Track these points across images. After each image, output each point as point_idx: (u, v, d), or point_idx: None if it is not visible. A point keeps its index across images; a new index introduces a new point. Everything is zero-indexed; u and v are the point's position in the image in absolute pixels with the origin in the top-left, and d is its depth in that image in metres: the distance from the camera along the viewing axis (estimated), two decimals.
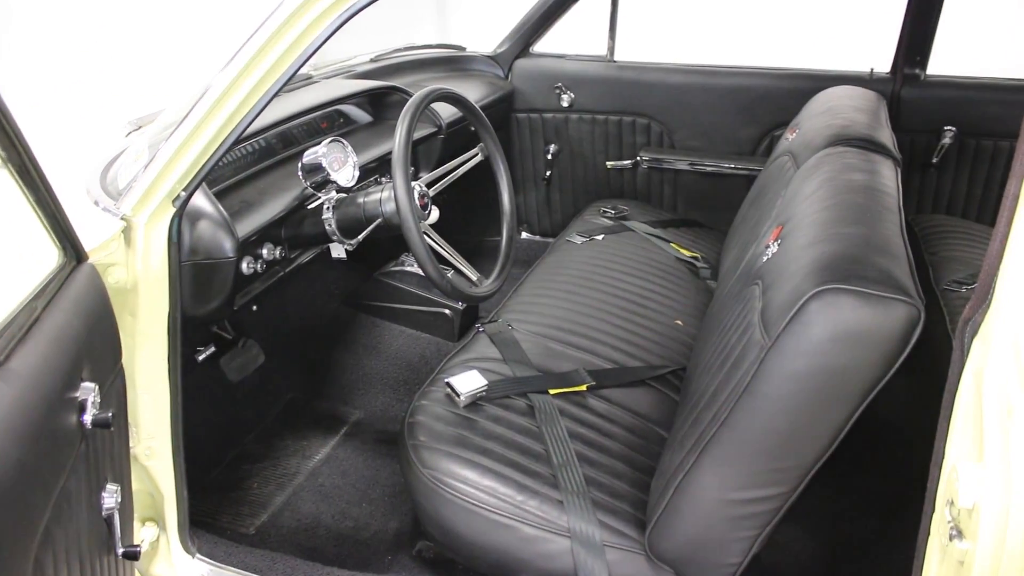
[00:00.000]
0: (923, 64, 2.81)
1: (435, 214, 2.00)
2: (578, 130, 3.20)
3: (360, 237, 1.91)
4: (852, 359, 1.23)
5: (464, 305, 2.61)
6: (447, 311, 2.63)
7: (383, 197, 1.88)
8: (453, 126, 2.65)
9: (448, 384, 1.81)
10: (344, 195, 1.97)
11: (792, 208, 1.70)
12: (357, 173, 2.02)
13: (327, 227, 1.93)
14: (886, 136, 2.04)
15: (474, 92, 2.97)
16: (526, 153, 3.32)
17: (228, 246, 1.69)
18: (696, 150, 3.09)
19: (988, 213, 2.88)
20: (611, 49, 3.11)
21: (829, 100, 2.39)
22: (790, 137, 2.32)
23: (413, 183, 1.88)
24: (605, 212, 2.84)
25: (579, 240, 2.63)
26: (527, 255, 3.41)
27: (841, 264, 1.29)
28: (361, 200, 1.92)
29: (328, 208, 1.94)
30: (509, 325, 2.09)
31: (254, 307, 2.12)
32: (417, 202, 1.86)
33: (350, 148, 2.01)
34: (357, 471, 2.24)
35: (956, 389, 1.19)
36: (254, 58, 1.42)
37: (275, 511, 2.10)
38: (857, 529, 2.02)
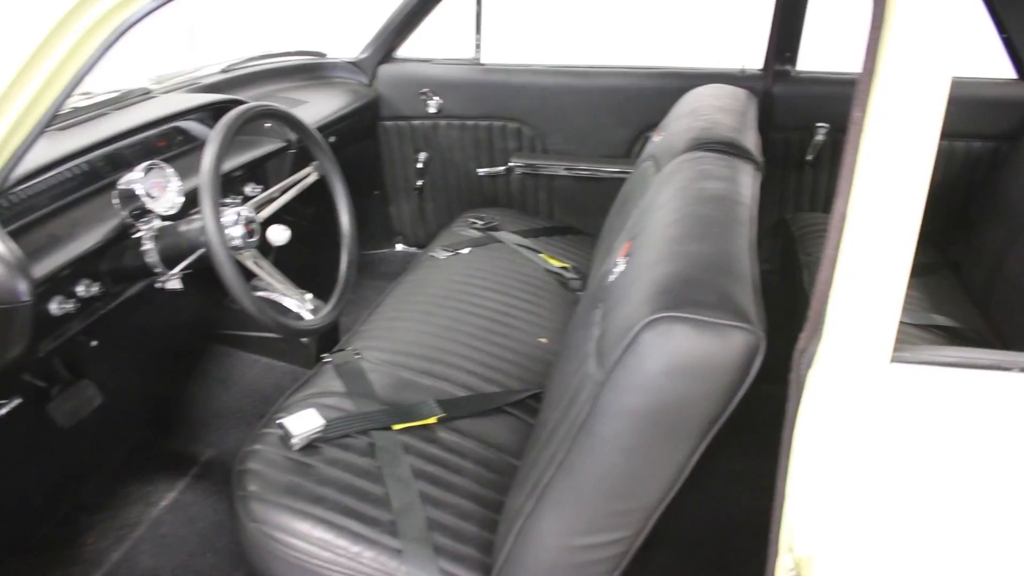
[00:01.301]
0: (792, 60, 2.77)
1: (279, 236, 1.86)
2: (448, 137, 3.07)
3: (179, 269, 1.75)
4: (689, 393, 1.13)
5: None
6: (304, 337, 2.47)
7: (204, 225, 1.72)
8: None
9: (281, 425, 1.67)
10: (167, 224, 1.80)
11: (644, 220, 1.60)
12: (181, 199, 1.84)
13: (148, 259, 1.77)
14: (750, 139, 1.96)
15: (335, 101, 2.82)
16: (396, 162, 3.18)
17: (22, 289, 1.50)
18: (569, 154, 2.99)
19: None
20: (478, 51, 2.99)
21: (696, 100, 2.32)
22: (656, 140, 2.23)
23: (239, 208, 1.73)
24: (473, 223, 2.72)
25: (443, 255, 2.50)
26: (402, 269, 3.27)
27: (678, 288, 1.19)
28: (183, 228, 1.75)
29: (149, 238, 1.77)
30: (357, 354, 1.95)
31: (93, 343, 1.94)
32: (243, 227, 1.71)
33: (171, 172, 1.83)
34: (204, 517, 2.08)
35: (794, 425, 1.10)
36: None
37: (110, 569, 1.92)
38: (731, 549, 1.94)
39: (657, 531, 1.28)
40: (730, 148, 1.83)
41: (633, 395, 1.15)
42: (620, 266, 1.47)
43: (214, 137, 1.66)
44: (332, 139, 2.69)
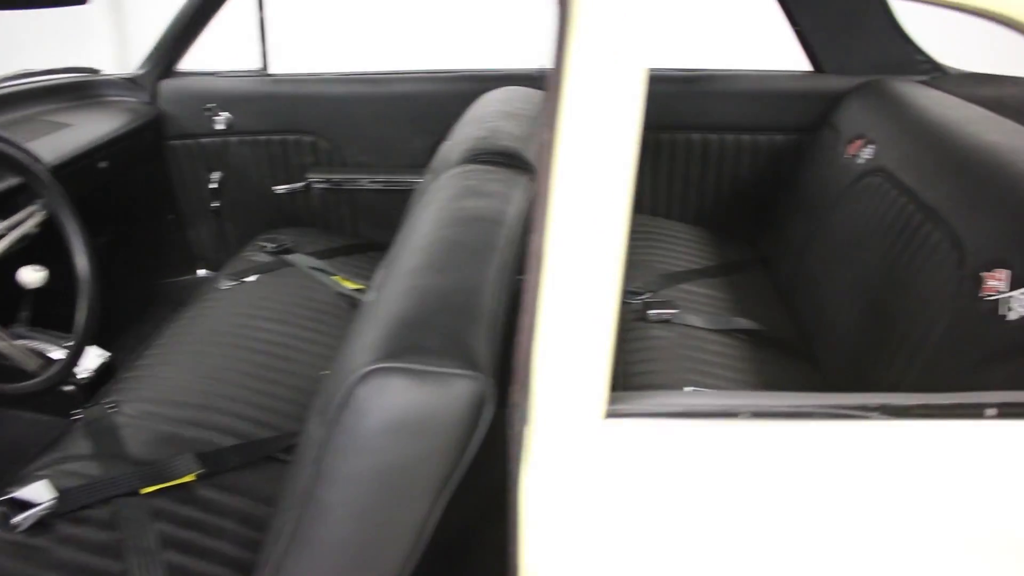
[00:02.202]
0: None
1: (31, 277, 1.65)
2: (240, 154, 2.87)
3: None
4: (414, 452, 1.00)
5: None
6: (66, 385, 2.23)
7: None
8: (67, 167, 2.25)
9: (7, 502, 1.46)
10: None
11: (400, 246, 1.47)
12: None
13: None
14: (534, 147, 1.86)
15: (108, 122, 2.58)
16: (188, 184, 2.95)
17: None
18: (369, 166, 2.84)
19: (674, 208, 2.83)
20: (264, 61, 2.80)
21: (484, 106, 2.21)
22: (442, 149, 2.11)
23: None
24: (264, 246, 2.54)
25: (227, 284, 2.31)
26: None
27: (400, 333, 1.06)
28: None
29: None
30: (112, 407, 1.75)
31: None
32: None
33: None
34: None
35: (518, 486, 0.99)
36: None
37: None
38: None
39: None
40: (506, 159, 1.73)
41: (354, 458, 1.02)
42: (371, 299, 1.34)
43: None
44: (104, 164, 2.47)
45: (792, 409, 0.91)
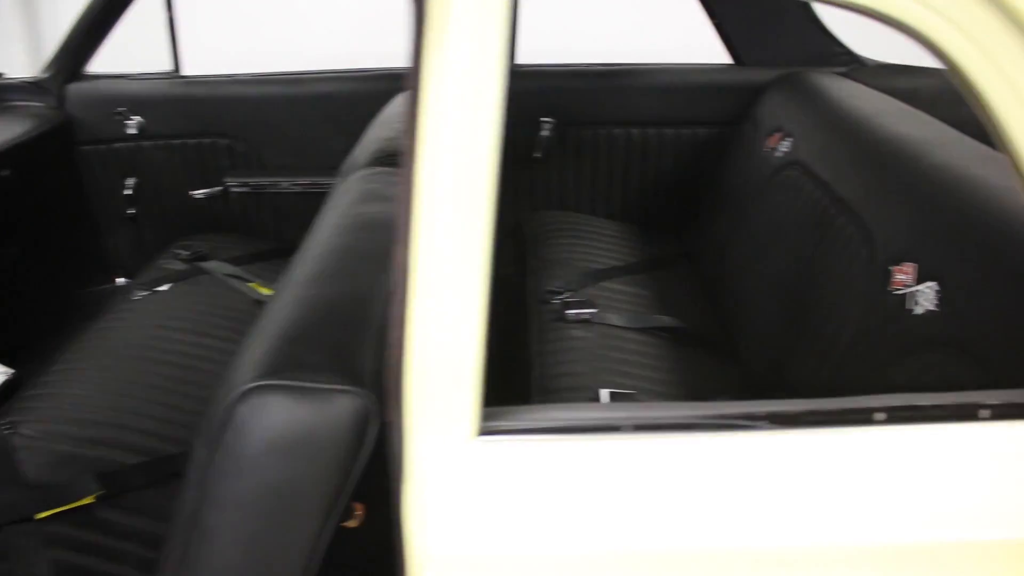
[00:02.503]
0: (510, 54, 2.66)
1: None
2: (154, 159, 2.78)
3: None
4: (298, 472, 0.97)
5: None
6: None
7: None
8: None
9: None
10: None
11: (299, 254, 1.43)
12: None
13: None
14: None
15: (11, 128, 2.48)
16: (103, 191, 2.85)
17: None
18: (289, 168, 2.77)
19: (598, 204, 2.80)
20: (176, 63, 2.72)
21: (395, 106, 2.17)
22: (355, 152, 2.06)
23: None
24: (179, 254, 2.46)
25: (139, 294, 2.24)
26: None
27: (283, 348, 1.03)
28: None
29: None
30: (8, 428, 1.68)
31: None
32: None
33: None
34: None
35: (400, 505, 0.95)
36: None
37: None
38: None
39: None
40: None
41: (237, 480, 0.98)
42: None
43: None
44: (6, 172, 2.37)
45: (676, 421, 0.88)
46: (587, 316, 2.00)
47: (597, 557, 0.89)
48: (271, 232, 2.87)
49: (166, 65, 2.74)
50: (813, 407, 0.89)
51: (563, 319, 2.00)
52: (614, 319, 2.02)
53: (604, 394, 1.68)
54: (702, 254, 2.47)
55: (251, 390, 0.95)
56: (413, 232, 0.79)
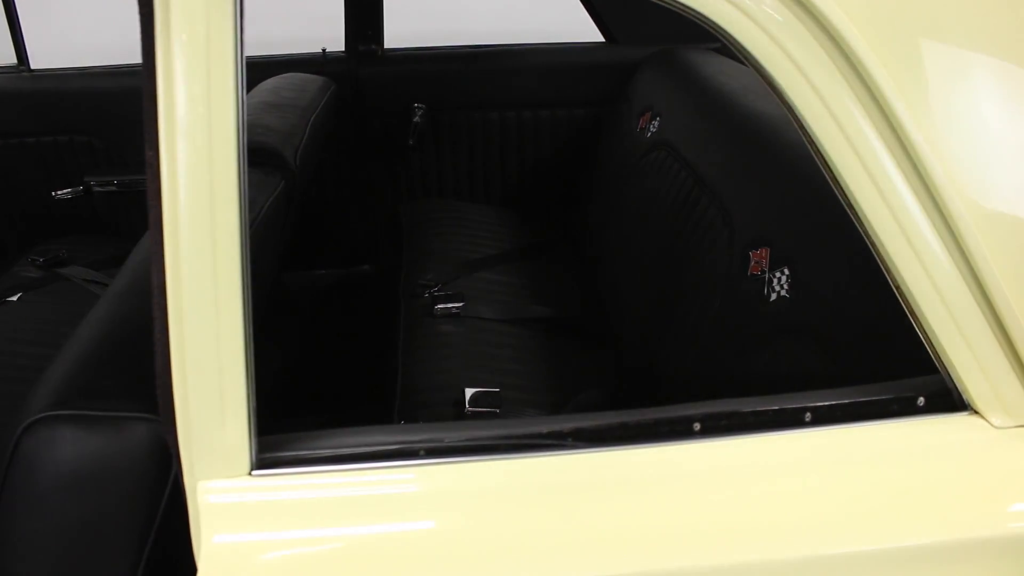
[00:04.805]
0: (377, 39, 2.57)
1: None
2: (6, 159, 2.62)
3: None
4: (97, 508, 0.90)
5: None
6: None
7: None
8: None
9: None
10: None
11: (127, 263, 1.34)
12: None
13: None
14: (292, 143, 1.74)
15: None
16: None
17: None
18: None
19: (476, 190, 2.75)
20: (22, 55, 2.54)
21: (250, 97, 2.06)
22: None
23: None
24: (36, 260, 2.32)
25: None
26: None
27: (75, 374, 0.95)
28: None
29: None
30: None
31: None
32: None
33: None
34: None
35: (199, 548, 0.88)
36: None
37: None
38: None
39: None
40: (257, 158, 1.60)
41: (30, 520, 0.91)
42: None
43: None
44: None
45: (475, 443, 0.82)
46: (456, 310, 1.95)
47: None
48: (139, 233, 2.74)
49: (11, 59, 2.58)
50: (624, 419, 0.83)
51: (432, 315, 1.94)
52: (485, 311, 1.97)
53: (468, 393, 1.63)
54: (580, 239, 2.44)
55: (37, 421, 0.88)
56: (166, 253, 0.73)
